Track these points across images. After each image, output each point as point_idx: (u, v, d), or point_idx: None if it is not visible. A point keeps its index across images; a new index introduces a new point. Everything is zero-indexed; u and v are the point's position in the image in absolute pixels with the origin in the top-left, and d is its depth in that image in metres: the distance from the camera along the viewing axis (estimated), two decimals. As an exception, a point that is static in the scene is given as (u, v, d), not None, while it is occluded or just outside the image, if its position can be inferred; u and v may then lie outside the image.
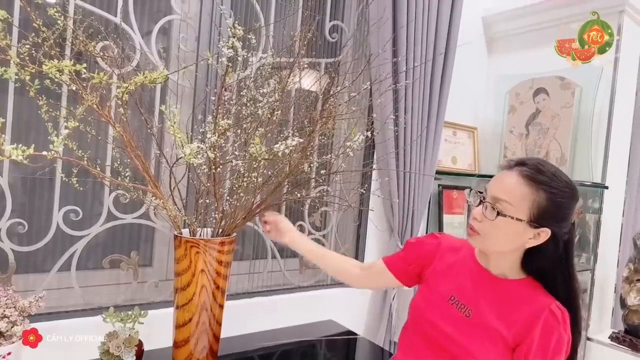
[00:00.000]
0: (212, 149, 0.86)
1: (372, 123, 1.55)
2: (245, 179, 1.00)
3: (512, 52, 2.11)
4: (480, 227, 0.85)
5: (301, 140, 0.86)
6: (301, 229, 1.62)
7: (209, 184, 1.02)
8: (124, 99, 0.80)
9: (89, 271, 1.21)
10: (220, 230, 1.06)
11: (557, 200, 0.81)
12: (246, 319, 1.43)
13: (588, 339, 1.96)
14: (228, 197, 1.08)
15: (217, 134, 0.85)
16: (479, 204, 0.86)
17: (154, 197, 0.96)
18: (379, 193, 1.64)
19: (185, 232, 1.07)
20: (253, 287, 1.51)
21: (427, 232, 1.85)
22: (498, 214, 0.81)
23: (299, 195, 1.13)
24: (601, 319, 2.06)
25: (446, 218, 1.94)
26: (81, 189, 0.85)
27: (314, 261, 1.16)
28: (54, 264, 1.14)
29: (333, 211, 1.69)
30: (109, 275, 1.24)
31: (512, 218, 0.81)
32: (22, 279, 1.11)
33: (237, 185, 1.06)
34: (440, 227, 1.92)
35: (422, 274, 0.99)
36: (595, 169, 1.88)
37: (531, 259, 0.87)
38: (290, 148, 0.85)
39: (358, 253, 1.73)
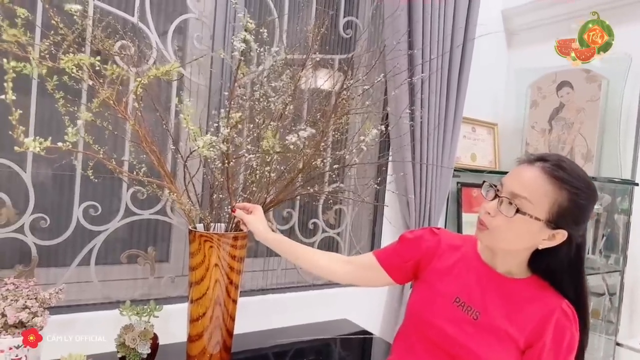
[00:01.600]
0: (224, 142, 0.86)
1: (387, 117, 1.52)
2: (257, 173, 1.00)
3: (533, 45, 2.04)
4: (492, 222, 0.80)
5: (313, 131, 0.85)
6: (315, 226, 1.61)
7: (222, 179, 1.02)
8: (138, 93, 0.82)
9: (107, 266, 1.24)
10: (234, 225, 1.06)
11: (579, 202, 0.77)
12: (260, 316, 1.43)
13: (617, 344, 1.87)
14: (242, 193, 1.08)
15: (229, 127, 0.85)
16: (494, 198, 0.81)
17: (169, 192, 0.97)
18: (393, 189, 1.61)
19: (200, 227, 1.08)
20: (267, 284, 1.51)
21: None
22: (517, 211, 0.77)
23: (311, 190, 1.12)
24: (631, 323, 1.96)
25: (465, 217, 1.88)
26: (96, 180, 0.87)
27: (288, 255, 1.03)
28: (74, 258, 1.17)
29: (348, 207, 1.68)
30: (126, 270, 1.27)
31: (531, 217, 0.76)
32: (44, 272, 1.14)
33: (250, 181, 1.06)
34: (459, 226, 1.87)
35: (419, 272, 0.93)
36: (624, 165, 1.79)
37: (540, 259, 0.83)
38: (302, 140, 0.84)
39: (374, 251, 1.71)
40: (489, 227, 0.81)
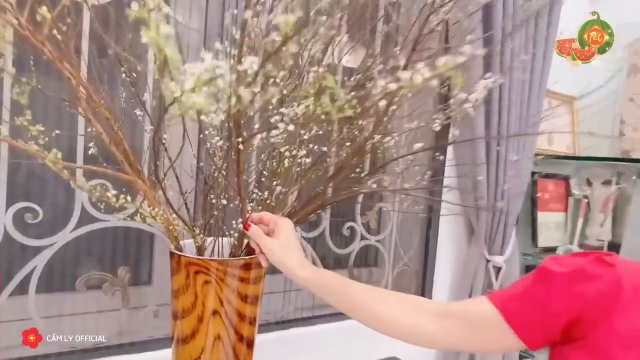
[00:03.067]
0: (246, 83, 0.41)
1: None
2: (286, 161, 0.58)
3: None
4: None
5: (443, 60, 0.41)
6: (352, 232, 1.20)
7: (224, 169, 0.60)
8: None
9: (55, 295, 0.83)
10: (245, 245, 0.64)
11: None
12: (280, 358, 1.03)
13: None
14: (256, 191, 0.66)
15: (241, 59, 0.41)
16: None
17: (119, 195, 0.56)
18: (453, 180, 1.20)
19: (190, 244, 0.67)
20: (290, 310, 1.11)
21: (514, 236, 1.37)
22: None
23: (366, 189, 0.70)
24: None
25: (541, 216, 1.46)
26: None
27: (340, 303, 0.63)
28: (2, 285, 0.77)
29: (394, 205, 1.26)
30: (85, 300, 0.87)
31: None
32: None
33: (269, 171, 0.64)
34: (533, 230, 1.45)
35: (582, 334, 0.52)
36: None
37: None
38: (423, 77, 0.41)
39: (427, 267, 1.29)
40: None
